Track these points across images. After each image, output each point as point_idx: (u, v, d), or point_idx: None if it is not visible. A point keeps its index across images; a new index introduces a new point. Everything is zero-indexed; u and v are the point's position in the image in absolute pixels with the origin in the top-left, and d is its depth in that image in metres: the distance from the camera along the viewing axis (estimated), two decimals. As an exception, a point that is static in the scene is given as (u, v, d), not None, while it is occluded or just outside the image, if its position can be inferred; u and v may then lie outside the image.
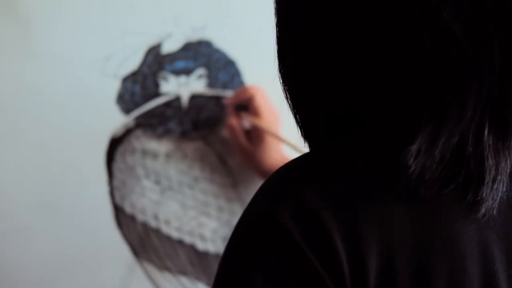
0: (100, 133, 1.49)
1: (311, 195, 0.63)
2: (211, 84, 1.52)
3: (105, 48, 1.46)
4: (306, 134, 0.75)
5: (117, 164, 1.50)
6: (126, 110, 1.49)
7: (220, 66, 1.52)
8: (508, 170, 0.66)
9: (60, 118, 1.45)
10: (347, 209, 0.63)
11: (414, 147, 0.63)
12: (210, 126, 1.53)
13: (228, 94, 1.53)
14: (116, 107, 1.49)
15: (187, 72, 1.51)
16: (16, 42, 1.40)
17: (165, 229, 1.52)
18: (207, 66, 1.52)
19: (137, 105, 1.50)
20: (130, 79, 1.49)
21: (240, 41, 1.53)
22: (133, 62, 1.49)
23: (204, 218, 1.53)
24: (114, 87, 1.48)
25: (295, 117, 0.76)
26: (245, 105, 1.47)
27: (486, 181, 0.64)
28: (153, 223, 1.52)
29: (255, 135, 1.43)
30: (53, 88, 1.43)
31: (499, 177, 0.64)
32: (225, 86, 1.53)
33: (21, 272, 1.48)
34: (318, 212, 0.62)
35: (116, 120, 1.49)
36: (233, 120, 1.45)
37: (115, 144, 1.50)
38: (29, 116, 1.43)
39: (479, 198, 0.64)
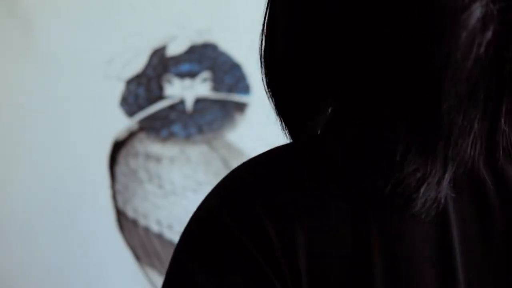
0: (103, 135, 1.49)
1: (251, 194, 0.66)
2: (216, 88, 1.50)
3: (109, 50, 1.46)
4: (285, 123, 0.76)
5: (120, 168, 1.49)
6: (130, 112, 1.49)
7: (225, 69, 1.50)
8: (452, 169, 0.64)
9: (63, 121, 1.46)
10: (284, 207, 0.65)
11: (329, 136, 0.67)
12: (215, 130, 1.51)
13: (233, 97, 1.51)
14: (120, 109, 1.48)
15: (192, 75, 1.50)
16: (18, 45, 1.42)
17: (167, 234, 1.50)
18: (212, 69, 1.50)
19: (141, 107, 1.49)
20: (135, 81, 1.48)
21: (246, 44, 1.50)
22: (137, 65, 1.48)
23: (208, 224, 1.50)
24: (118, 89, 1.48)
25: (274, 104, 0.76)
26: None
27: (425, 181, 0.62)
28: (155, 228, 1.50)
29: None
30: (55, 90, 1.45)
31: (438, 177, 0.62)
32: (230, 89, 1.50)
33: (23, 275, 1.48)
34: (255, 210, 0.64)
35: (120, 123, 1.49)
36: None
37: (118, 147, 1.49)
38: (31, 118, 1.44)
39: (417, 197, 0.63)
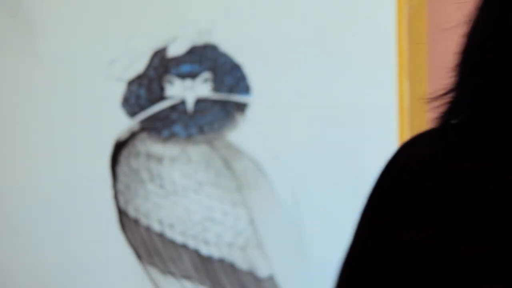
0: (104, 136, 1.50)
1: (419, 162, 0.69)
2: (216, 88, 1.52)
3: (110, 51, 1.48)
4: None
5: (122, 168, 1.51)
6: (131, 113, 1.50)
7: (225, 70, 1.51)
8: None
9: (65, 121, 1.47)
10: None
11: None
12: (216, 130, 1.52)
13: (234, 98, 1.52)
14: (121, 110, 1.49)
15: (193, 75, 1.51)
16: (20, 45, 1.43)
17: (169, 233, 1.51)
18: (213, 70, 1.51)
19: (142, 108, 1.50)
20: (136, 82, 1.50)
21: (246, 45, 1.51)
22: (138, 66, 1.50)
23: (209, 223, 1.51)
24: (119, 90, 1.49)
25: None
26: None
27: None
28: (157, 227, 1.51)
29: None
30: (55, 90, 1.46)
31: None
32: (230, 90, 1.52)
33: (24, 275, 1.49)
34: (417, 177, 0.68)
35: (121, 123, 1.50)
36: None
37: (119, 147, 1.51)
38: (33, 119, 1.46)
39: None
